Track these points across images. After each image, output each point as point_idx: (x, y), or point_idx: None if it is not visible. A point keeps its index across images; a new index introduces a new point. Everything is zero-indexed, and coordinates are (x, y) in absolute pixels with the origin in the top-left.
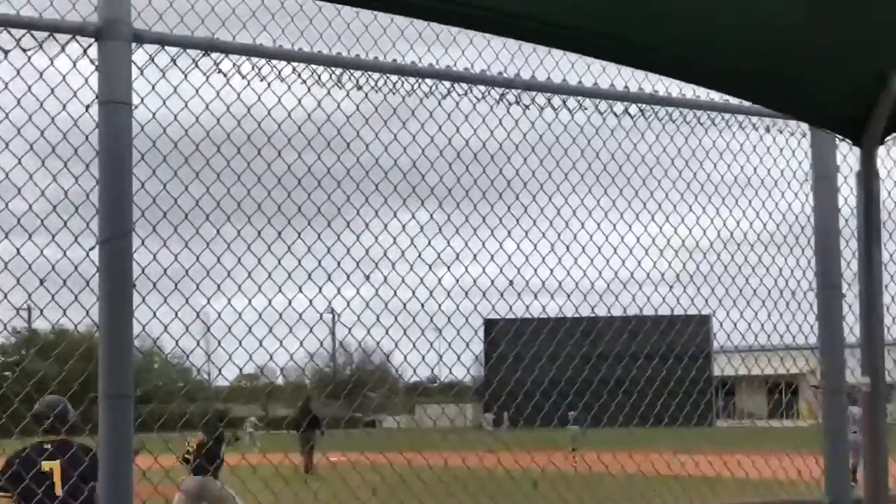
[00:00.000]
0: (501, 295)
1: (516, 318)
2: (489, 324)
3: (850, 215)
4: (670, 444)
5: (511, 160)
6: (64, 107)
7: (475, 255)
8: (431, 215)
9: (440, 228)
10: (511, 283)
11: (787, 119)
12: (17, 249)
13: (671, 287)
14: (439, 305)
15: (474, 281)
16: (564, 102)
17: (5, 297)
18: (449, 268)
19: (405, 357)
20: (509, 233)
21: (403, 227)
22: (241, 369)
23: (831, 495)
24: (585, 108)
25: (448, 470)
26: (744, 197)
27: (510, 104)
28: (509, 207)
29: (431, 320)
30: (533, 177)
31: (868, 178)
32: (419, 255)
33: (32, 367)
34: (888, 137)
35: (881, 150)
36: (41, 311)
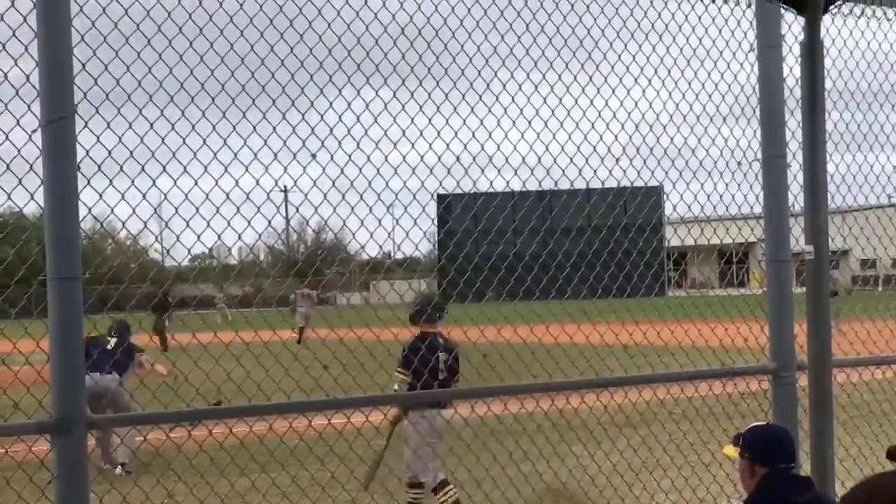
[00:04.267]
0: (449, 171)
1: (465, 193)
2: (440, 198)
3: (794, 85)
4: (621, 317)
5: (456, 35)
6: None
7: (421, 132)
8: (377, 92)
9: (386, 106)
10: (458, 158)
11: None
12: None
13: (618, 160)
14: (386, 183)
15: (421, 157)
16: None
17: None
18: (395, 145)
19: (353, 235)
20: (455, 108)
21: (349, 104)
22: (189, 250)
23: (776, 362)
24: None
25: (398, 345)
26: (689, 68)
27: None
28: (455, 83)
29: (379, 198)
30: (478, 52)
31: (812, 48)
32: (366, 133)
33: None
34: (831, 6)
35: (825, 19)
36: None
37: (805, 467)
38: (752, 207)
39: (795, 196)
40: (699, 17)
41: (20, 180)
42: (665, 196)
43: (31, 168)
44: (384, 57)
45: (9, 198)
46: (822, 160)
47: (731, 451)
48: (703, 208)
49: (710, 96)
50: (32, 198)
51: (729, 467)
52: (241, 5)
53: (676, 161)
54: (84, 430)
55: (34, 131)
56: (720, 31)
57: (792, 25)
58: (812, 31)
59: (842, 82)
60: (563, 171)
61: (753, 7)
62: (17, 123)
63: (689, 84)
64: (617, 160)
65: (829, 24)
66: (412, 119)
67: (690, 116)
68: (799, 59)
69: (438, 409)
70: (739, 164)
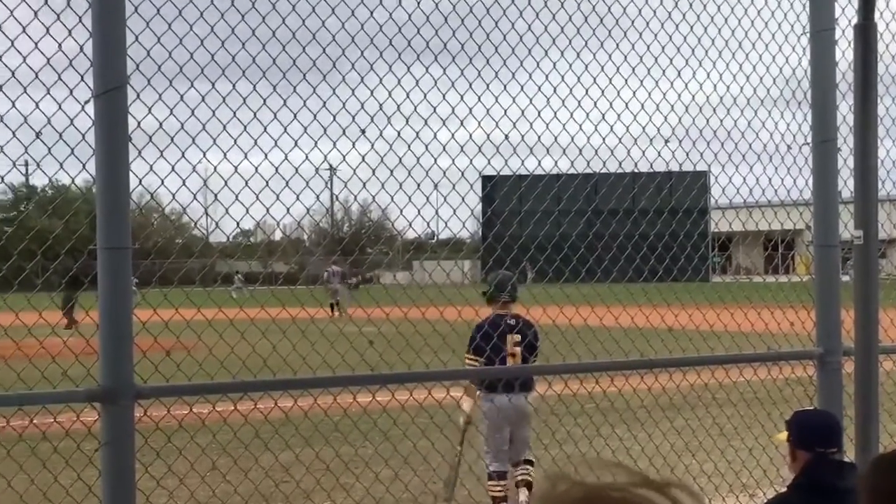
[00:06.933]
0: (497, 150)
1: (513, 174)
2: (486, 180)
3: (846, 69)
4: (665, 300)
5: (507, 14)
6: None
7: (471, 110)
8: (427, 69)
9: (436, 83)
10: (507, 138)
11: None
12: (13, 103)
13: (667, 142)
14: (435, 160)
15: (470, 136)
16: None
17: (1, 150)
18: (444, 122)
19: (401, 212)
20: (505, 87)
21: (399, 81)
22: (238, 224)
23: (822, 346)
24: None
25: (442, 323)
26: (740, 51)
27: None
28: (505, 62)
29: (427, 175)
30: (529, 30)
31: (866, 31)
32: (415, 110)
33: (31, 221)
34: None
35: (880, 2)
36: (38, 164)
37: (850, 454)
38: (801, 192)
39: (845, 181)
40: (751, 1)
41: (72, 150)
42: (714, 179)
43: (83, 138)
44: (435, 34)
45: (61, 167)
46: (873, 145)
47: (782, 436)
48: (751, 192)
49: (760, 79)
50: (84, 168)
51: (773, 452)
52: None
53: (725, 144)
54: (132, 399)
55: (87, 102)
56: (773, 13)
57: (846, 8)
58: (866, 13)
59: (895, 67)
60: (612, 151)
61: None
62: (71, 94)
63: (740, 66)
64: (665, 142)
65: (884, 8)
66: (461, 97)
67: (740, 100)
68: (852, 43)
69: (508, 395)
70: (790, 148)
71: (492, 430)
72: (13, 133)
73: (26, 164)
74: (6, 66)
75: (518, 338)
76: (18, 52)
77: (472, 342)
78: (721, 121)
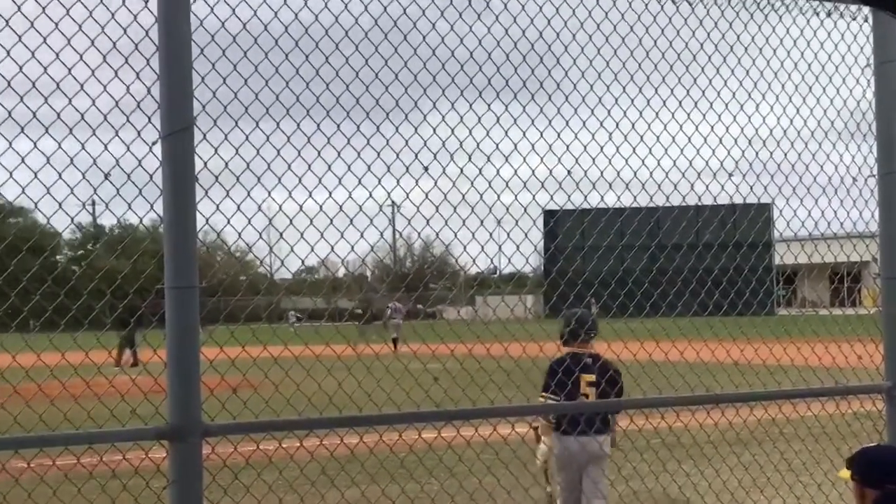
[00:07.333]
0: (560, 185)
1: (575, 209)
2: (549, 215)
3: None
4: (731, 334)
5: (569, 50)
6: (123, 3)
7: (533, 146)
8: (489, 106)
9: (498, 119)
10: (569, 173)
11: (849, 3)
12: (82, 145)
13: (730, 175)
14: (498, 196)
15: (533, 171)
16: None
17: (71, 191)
18: (507, 159)
19: (465, 248)
20: (567, 123)
21: (461, 118)
22: (303, 261)
23: (891, 380)
24: None
25: (507, 359)
26: (804, 83)
27: None
28: (567, 98)
29: (490, 211)
30: (590, 66)
31: None
32: (478, 147)
33: (100, 261)
34: None
35: None
36: (106, 205)
37: None
38: (866, 224)
39: None
40: (814, 32)
41: (140, 190)
42: (778, 212)
43: (150, 179)
44: (497, 71)
45: (129, 207)
46: None
47: (845, 473)
48: (816, 225)
49: (824, 111)
50: (152, 207)
51: (842, 487)
52: (356, 20)
53: (790, 177)
54: (200, 436)
55: (154, 143)
56: (836, 45)
57: None
58: None
59: None
60: (676, 185)
61: (871, 21)
62: (139, 135)
63: (804, 99)
64: (729, 176)
65: None
66: (524, 133)
67: (804, 132)
68: None
69: (577, 436)
70: (855, 180)
71: (559, 471)
72: (83, 175)
73: (93, 204)
74: (76, 109)
75: (591, 378)
76: (88, 95)
77: (546, 379)
78: (785, 154)
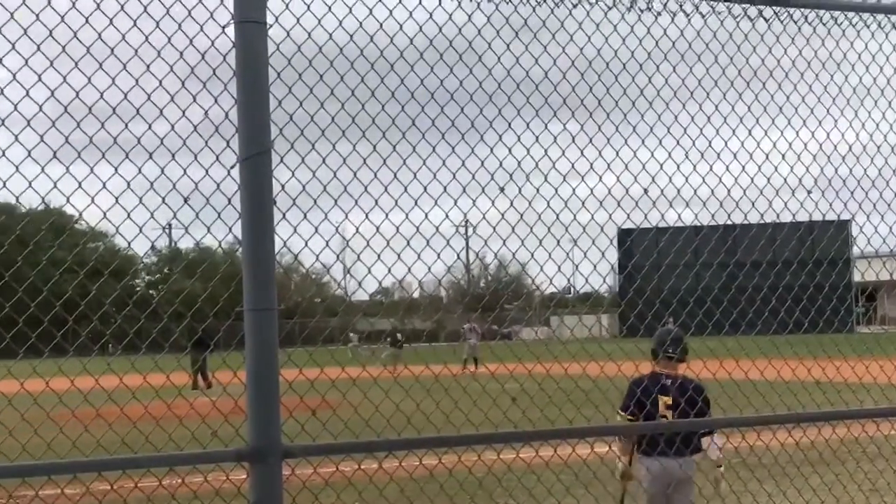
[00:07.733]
0: (636, 204)
1: (652, 227)
2: (624, 233)
3: None
4: (811, 352)
5: (643, 68)
6: (201, 28)
7: (609, 165)
8: (565, 125)
9: (573, 139)
10: (646, 191)
11: None
12: (162, 170)
13: (809, 192)
14: (574, 215)
15: (609, 190)
16: (697, 7)
17: (151, 216)
18: (583, 178)
19: (541, 268)
20: (643, 141)
21: (537, 138)
22: (380, 283)
23: None
24: (719, 13)
25: (585, 379)
26: (883, 99)
27: (641, 11)
28: (643, 115)
29: (567, 231)
30: (666, 84)
31: None
32: (553, 166)
33: (178, 284)
34: None
35: None
36: (186, 228)
37: None
38: None
39: None
40: (894, 46)
41: (219, 214)
42: (858, 228)
43: (229, 202)
44: (572, 90)
45: (208, 231)
46: None
47: None
48: None
49: None
50: (230, 230)
51: None
52: (430, 41)
53: (870, 193)
54: (280, 458)
55: (233, 167)
56: None
57: None
58: None
59: None
60: (753, 203)
61: None
62: (217, 159)
63: (883, 114)
64: (808, 193)
65: None
66: (599, 152)
67: (884, 147)
68: None
69: (660, 458)
70: None
71: (646, 495)
72: (163, 199)
73: (169, 227)
74: (156, 134)
75: (669, 400)
76: (167, 119)
77: (625, 399)
78: (865, 169)
